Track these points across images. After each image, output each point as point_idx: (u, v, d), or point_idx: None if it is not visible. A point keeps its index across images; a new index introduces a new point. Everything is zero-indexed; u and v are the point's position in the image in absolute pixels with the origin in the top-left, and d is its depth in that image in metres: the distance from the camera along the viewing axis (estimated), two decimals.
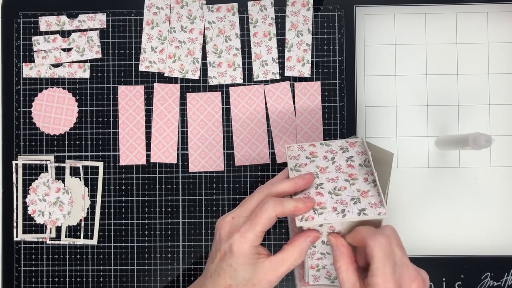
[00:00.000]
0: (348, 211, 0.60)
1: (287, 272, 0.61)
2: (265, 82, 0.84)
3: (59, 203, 0.83)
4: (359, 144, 0.69)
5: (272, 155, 0.83)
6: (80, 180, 0.83)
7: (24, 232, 0.83)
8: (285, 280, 0.82)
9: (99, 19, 0.85)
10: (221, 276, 0.61)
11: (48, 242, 0.83)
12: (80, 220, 0.83)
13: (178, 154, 0.83)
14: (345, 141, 0.69)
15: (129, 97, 0.84)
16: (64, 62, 0.84)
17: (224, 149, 0.83)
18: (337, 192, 0.63)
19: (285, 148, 0.70)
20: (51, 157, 0.84)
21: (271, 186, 0.63)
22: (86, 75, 0.84)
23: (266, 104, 0.83)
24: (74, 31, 0.85)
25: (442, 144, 0.82)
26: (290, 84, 0.83)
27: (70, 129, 0.84)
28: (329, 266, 0.66)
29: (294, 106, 0.83)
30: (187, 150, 0.83)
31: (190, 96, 0.84)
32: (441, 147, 0.83)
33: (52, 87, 0.84)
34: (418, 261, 0.80)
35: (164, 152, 0.83)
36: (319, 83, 0.83)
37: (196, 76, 0.84)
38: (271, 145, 0.83)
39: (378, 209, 0.60)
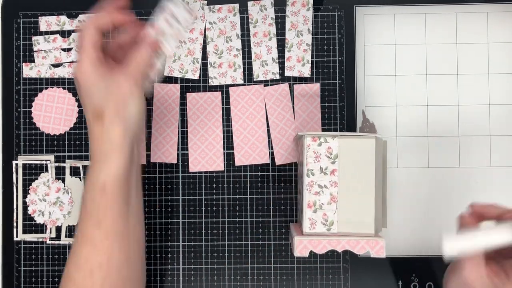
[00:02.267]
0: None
1: (141, 77, 0.65)
2: (265, 82, 0.84)
3: (59, 203, 0.83)
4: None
5: (272, 155, 0.83)
6: (80, 180, 0.83)
7: (24, 232, 0.83)
8: (280, 280, 0.82)
9: None
10: (85, 106, 0.65)
11: (48, 242, 0.83)
12: None
13: (178, 154, 0.83)
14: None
15: None
16: (64, 62, 0.85)
17: (224, 149, 0.83)
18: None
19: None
20: (51, 157, 0.84)
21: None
22: None
23: (265, 105, 0.83)
24: (74, 31, 0.85)
25: None
26: (290, 86, 0.83)
27: (70, 129, 0.84)
28: (326, 206, 0.68)
29: (293, 108, 0.83)
30: (187, 150, 0.83)
31: (190, 96, 0.84)
32: None
33: (52, 87, 0.84)
34: (418, 262, 0.82)
35: (164, 152, 0.83)
36: (318, 84, 0.83)
37: (196, 76, 0.84)
38: (271, 145, 0.83)
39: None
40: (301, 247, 0.68)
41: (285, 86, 0.84)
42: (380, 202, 0.70)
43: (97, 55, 0.64)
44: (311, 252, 0.68)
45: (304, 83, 0.84)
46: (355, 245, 0.68)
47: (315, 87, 0.83)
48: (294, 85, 0.84)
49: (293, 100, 0.83)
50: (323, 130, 0.83)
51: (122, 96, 0.63)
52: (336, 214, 0.69)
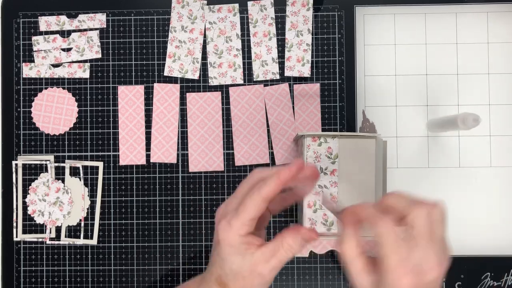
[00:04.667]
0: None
1: (281, 266, 0.56)
2: (265, 82, 0.84)
3: (59, 203, 0.83)
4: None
5: (272, 155, 0.83)
6: (80, 180, 0.83)
7: (24, 232, 0.83)
8: (280, 280, 0.82)
9: (99, 19, 0.85)
10: (214, 265, 0.58)
11: (48, 242, 0.83)
12: (80, 220, 0.83)
13: (178, 154, 0.83)
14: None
15: (129, 97, 0.84)
16: (64, 62, 0.84)
17: (224, 149, 0.83)
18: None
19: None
20: (51, 157, 0.84)
21: (262, 174, 0.58)
22: (86, 75, 0.84)
23: (265, 105, 0.83)
24: (74, 31, 0.85)
25: (433, 127, 0.82)
26: (290, 86, 0.83)
27: (70, 129, 0.84)
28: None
29: (293, 108, 0.83)
30: (187, 150, 0.83)
31: (190, 96, 0.84)
32: (432, 129, 0.83)
33: (52, 87, 0.84)
34: None
35: (164, 152, 0.83)
36: (318, 84, 0.83)
37: (196, 76, 0.84)
38: (271, 145, 0.83)
39: None
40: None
41: (285, 86, 0.84)
42: None
43: (252, 226, 0.56)
44: (311, 252, 0.68)
45: (304, 83, 0.83)
46: None
47: (315, 87, 0.83)
48: (294, 85, 0.83)
49: (293, 100, 0.83)
50: (323, 130, 0.83)
51: (253, 279, 0.56)
52: None
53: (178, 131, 0.84)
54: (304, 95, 0.83)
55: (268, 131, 0.83)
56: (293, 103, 0.83)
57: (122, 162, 0.83)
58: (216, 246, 0.57)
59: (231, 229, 0.55)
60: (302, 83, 0.84)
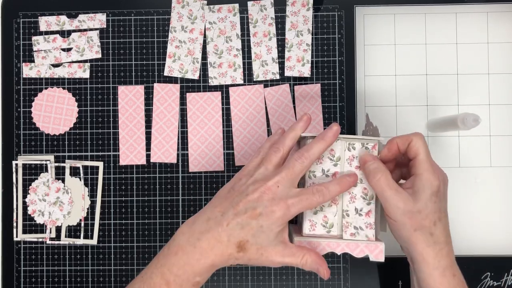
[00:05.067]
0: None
1: (288, 265, 0.65)
2: (265, 82, 0.84)
3: (59, 203, 0.83)
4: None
5: None
6: (80, 180, 0.83)
7: (24, 232, 0.83)
8: (279, 280, 0.82)
9: (99, 19, 0.84)
10: (244, 230, 0.63)
11: (48, 242, 0.83)
12: (80, 220, 0.83)
13: (178, 154, 0.83)
14: (369, 141, 0.70)
15: (129, 97, 0.84)
16: (64, 62, 0.84)
17: (224, 149, 0.83)
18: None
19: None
20: (51, 157, 0.83)
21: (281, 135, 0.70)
22: (86, 75, 0.84)
23: (266, 106, 0.83)
24: (74, 31, 0.85)
25: (433, 127, 0.82)
26: (290, 86, 0.83)
27: (70, 129, 0.84)
28: (326, 208, 0.68)
29: (295, 109, 0.83)
30: (187, 150, 0.83)
31: (190, 96, 0.84)
32: (432, 129, 0.83)
33: (52, 87, 0.84)
34: None
35: (164, 152, 0.83)
36: (319, 85, 0.83)
37: (196, 76, 0.84)
38: None
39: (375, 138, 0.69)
40: None
41: (285, 87, 0.83)
42: (380, 206, 0.69)
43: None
44: None
45: (305, 84, 0.83)
46: (354, 248, 0.67)
47: (316, 87, 0.83)
48: (295, 86, 0.83)
49: (294, 101, 0.83)
50: (324, 129, 0.82)
51: (265, 263, 0.65)
52: (336, 216, 0.68)
53: (178, 131, 0.84)
54: (305, 96, 0.83)
55: (269, 131, 0.83)
56: (294, 104, 0.83)
57: (122, 162, 0.83)
58: (262, 219, 0.63)
59: (290, 214, 0.63)
60: (302, 84, 0.83)
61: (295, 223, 0.80)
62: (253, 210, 0.63)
